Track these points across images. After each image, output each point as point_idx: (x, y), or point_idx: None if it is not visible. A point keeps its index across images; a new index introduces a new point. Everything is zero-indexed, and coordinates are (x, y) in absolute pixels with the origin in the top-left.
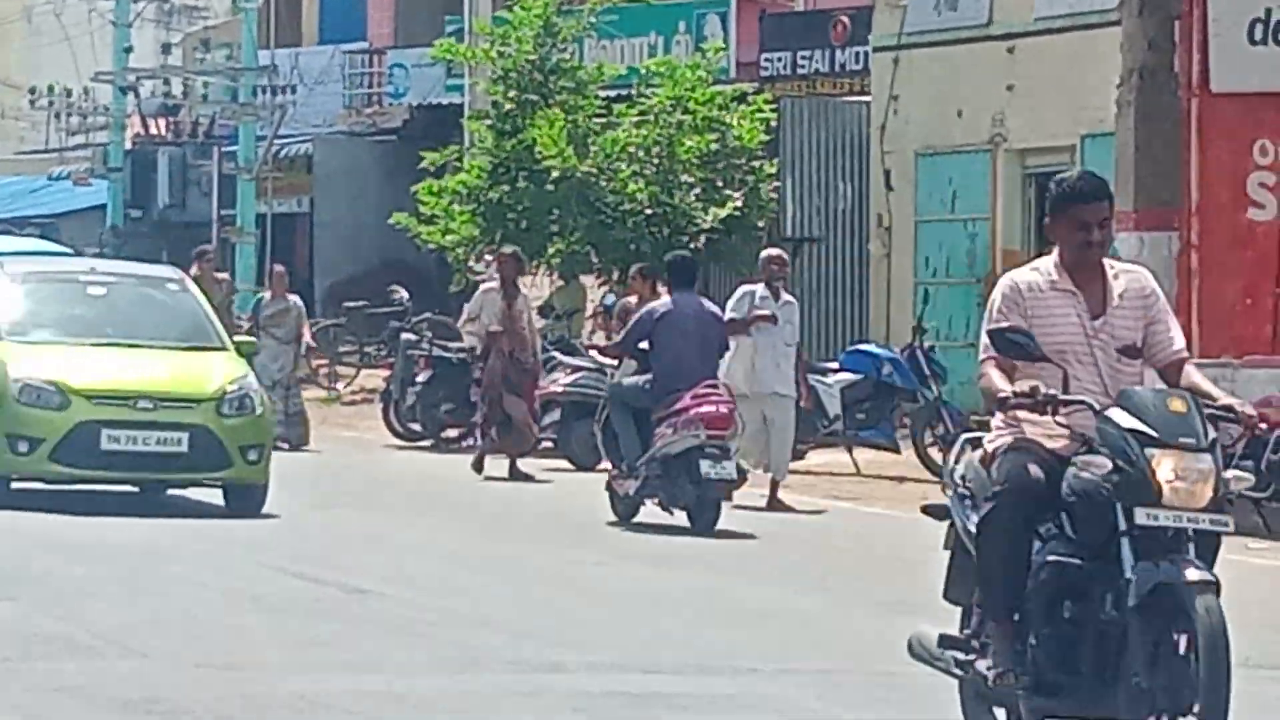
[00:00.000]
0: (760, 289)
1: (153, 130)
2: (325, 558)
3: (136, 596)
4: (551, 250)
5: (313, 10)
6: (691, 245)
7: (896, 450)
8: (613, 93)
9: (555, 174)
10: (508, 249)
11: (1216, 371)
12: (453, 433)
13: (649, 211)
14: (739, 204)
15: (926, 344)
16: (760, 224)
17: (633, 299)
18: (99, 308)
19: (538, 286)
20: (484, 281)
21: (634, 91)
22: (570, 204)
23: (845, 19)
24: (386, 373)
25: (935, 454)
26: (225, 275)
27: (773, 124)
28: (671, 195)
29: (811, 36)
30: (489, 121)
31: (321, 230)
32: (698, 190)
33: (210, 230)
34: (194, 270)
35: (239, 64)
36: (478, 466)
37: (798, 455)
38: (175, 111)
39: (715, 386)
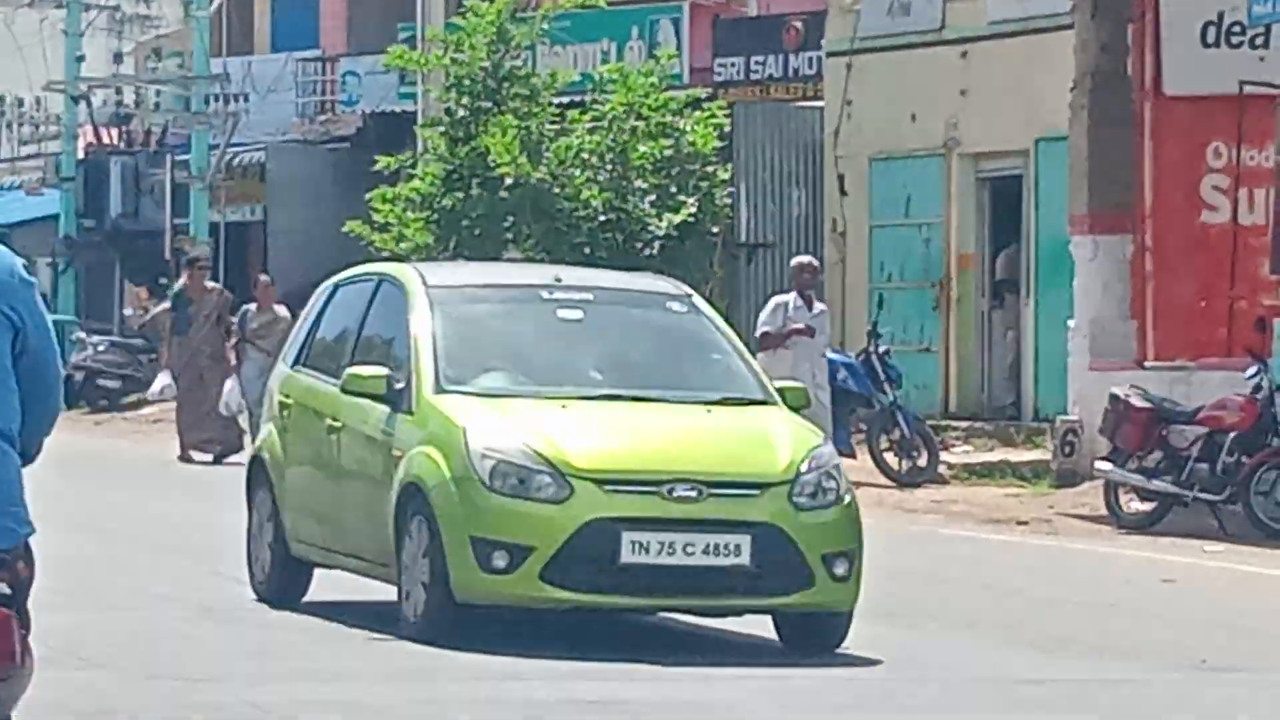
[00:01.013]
0: (792, 298)
1: (105, 139)
2: None
3: (89, 607)
4: (505, 257)
5: (265, 18)
6: (646, 251)
7: (852, 455)
8: (566, 99)
9: (509, 181)
10: (514, 253)
11: (1172, 374)
12: None
13: (603, 218)
14: (693, 210)
15: (881, 349)
16: (714, 230)
17: None
18: (579, 339)
19: None
20: None
21: (587, 98)
22: (524, 211)
23: (798, 24)
24: None
25: (891, 459)
26: (216, 285)
27: (726, 129)
28: (625, 201)
29: (764, 42)
30: (442, 129)
31: (275, 239)
32: (652, 196)
33: (163, 240)
34: (183, 279)
35: (191, 73)
36: None
37: None
38: (128, 120)
39: None
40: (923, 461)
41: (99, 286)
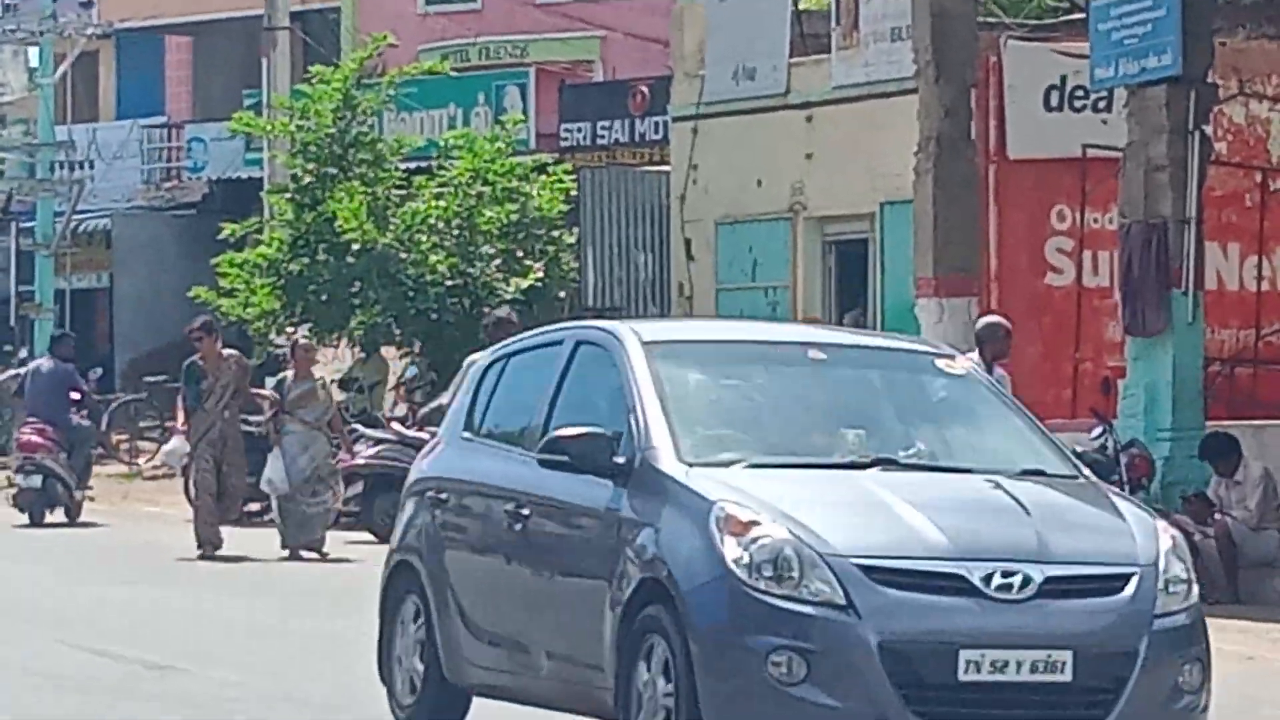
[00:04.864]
0: (974, 357)
1: None
2: (126, 634)
3: None
4: (353, 323)
5: (110, 85)
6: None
7: None
8: (412, 165)
9: (356, 247)
10: (502, 312)
11: None
12: (254, 506)
13: (450, 283)
14: (540, 274)
15: None
16: (561, 294)
17: None
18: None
19: (339, 359)
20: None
21: (434, 163)
22: (371, 276)
23: (644, 89)
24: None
25: None
26: (234, 352)
27: (573, 194)
28: (472, 266)
29: (611, 107)
30: (288, 195)
31: (121, 305)
32: (498, 261)
33: (9, 307)
34: (199, 351)
35: (36, 139)
36: None
37: None
38: None
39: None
40: None
41: None
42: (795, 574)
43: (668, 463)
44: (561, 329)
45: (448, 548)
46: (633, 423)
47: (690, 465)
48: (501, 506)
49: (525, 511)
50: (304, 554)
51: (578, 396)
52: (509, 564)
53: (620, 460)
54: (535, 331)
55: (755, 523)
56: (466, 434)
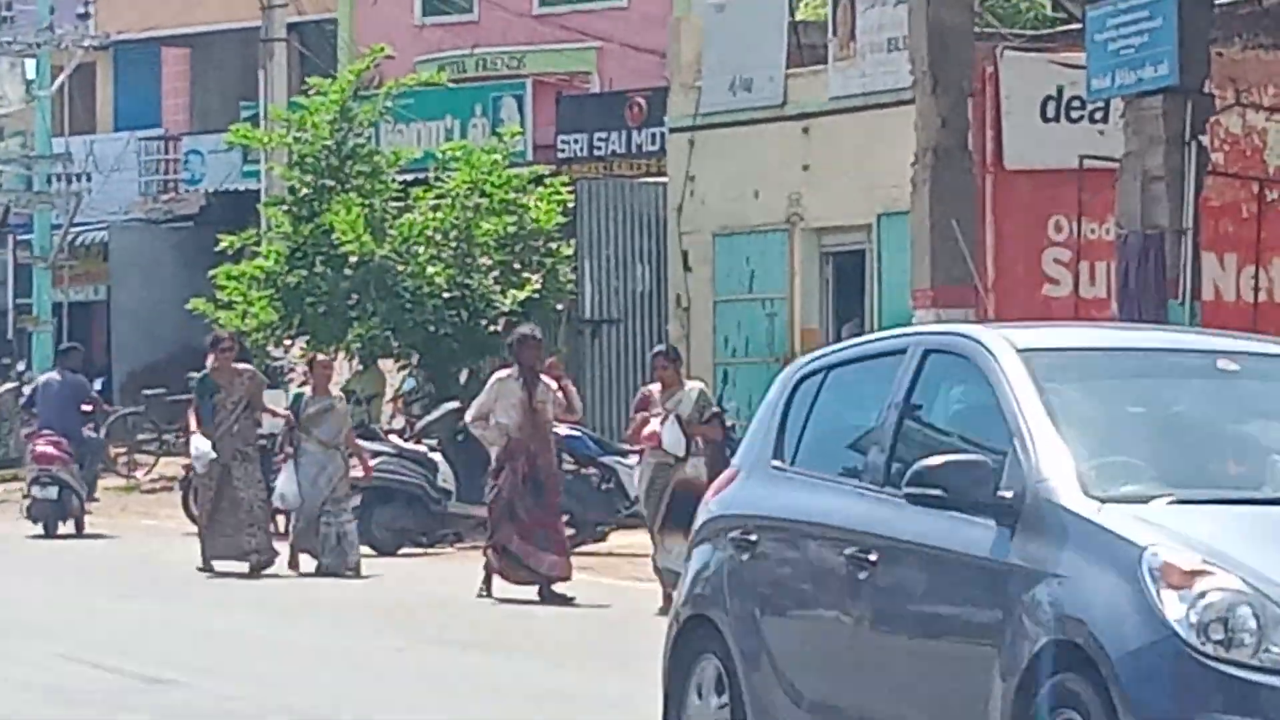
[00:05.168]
0: None
1: None
2: (125, 647)
3: None
4: (351, 335)
5: (107, 97)
6: (490, 328)
7: None
8: (409, 177)
9: (353, 259)
10: (526, 328)
11: None
12: None
13: (447, 295)
14: (537, 286)
15: (728, 424)
16: (559, 306)
17: (656, 386)
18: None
19: (337, 371)
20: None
21: (431, 175)
22: (369, 288)
23: (641, 100)
24: (186, 460)
25: None
26: (248, 367)
27: (570, 206)
28: (470, 278)
29: (607, 118)
30: (285, 207)
31: (119, 318)
32: (496, 273)
33: (6, 320)
34: (209, 362)
35: (33, 152)
36: (484, 589)
37: (598, 537)
38: None
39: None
40: None
41: None
42: (1253, 635)
43: (1071, 498)
44: (902, 335)
45: (761, 599)
46: (1019, 449)
47: (1102, 501)
48: (838, 551)
49: (872, 557)
50: (301, 568)
51: (932, 417)
52: (850, 619)
53: (1006, 495)
54: (861, 339)
55: (1201, 572)
56: (777, 463)
